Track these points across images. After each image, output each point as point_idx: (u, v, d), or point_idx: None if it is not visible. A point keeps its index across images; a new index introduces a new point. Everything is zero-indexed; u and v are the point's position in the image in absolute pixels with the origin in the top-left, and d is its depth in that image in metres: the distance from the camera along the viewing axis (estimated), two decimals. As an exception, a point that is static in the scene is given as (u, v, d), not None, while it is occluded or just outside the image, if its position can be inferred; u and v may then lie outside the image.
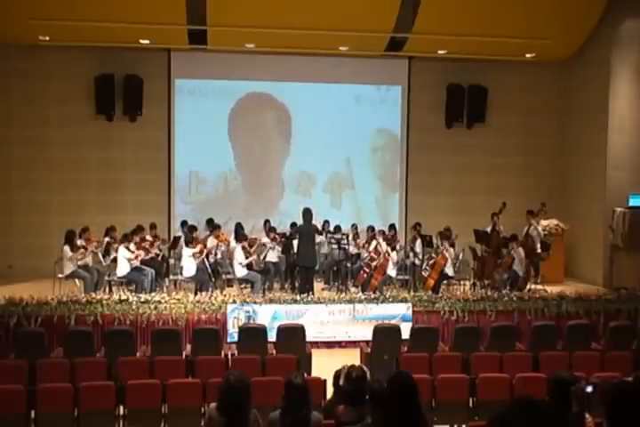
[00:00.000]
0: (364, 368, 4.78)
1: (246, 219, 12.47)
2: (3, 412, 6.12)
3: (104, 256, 10.84)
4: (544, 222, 12.25)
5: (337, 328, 9.82)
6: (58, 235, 10.57)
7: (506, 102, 13.84)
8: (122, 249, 10.43)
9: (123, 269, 10.43)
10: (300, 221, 11.13)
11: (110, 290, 10.45)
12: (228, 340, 9.05)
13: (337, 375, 5.02)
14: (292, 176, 13.73)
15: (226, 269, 11.36)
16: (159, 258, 11.38)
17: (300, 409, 4.28)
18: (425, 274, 11.09)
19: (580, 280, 12.58)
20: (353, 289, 10.91)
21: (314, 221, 11.15)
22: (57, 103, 12.86)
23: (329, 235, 11.80)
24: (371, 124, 13.78)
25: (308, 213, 10.84)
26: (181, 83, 13.32)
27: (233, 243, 11.46)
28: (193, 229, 11.48)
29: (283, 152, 13.61)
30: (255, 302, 9.71)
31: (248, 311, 9.55)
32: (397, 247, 11.57)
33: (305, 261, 10.77)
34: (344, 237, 11.28)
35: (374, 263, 10.92)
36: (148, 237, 11.45)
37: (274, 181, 13.78)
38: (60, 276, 10.38)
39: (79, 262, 10.42)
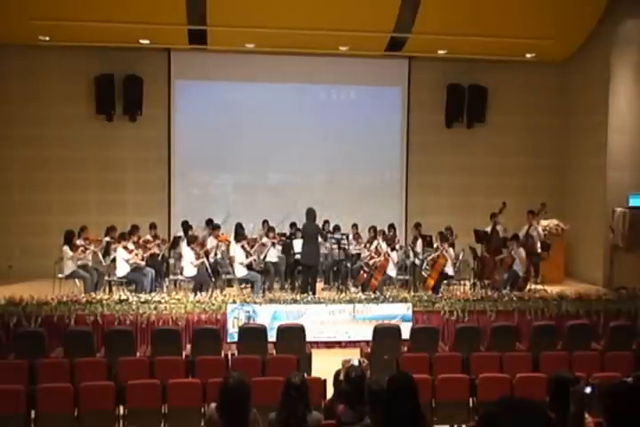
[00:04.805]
0: (363, 362, 4.78)
1: (246, 219, 12.44)
2: (3, 412, 6.12)
3: (104, 256, 10.85)
4: (544, 222, 12.25)
5: (337, 328, 9.82)
6: (58, 235, 10.57)
7: (506, 102, 13.83)
8: (120, 250, 10.42)
9: (122, 269, 10.44)
10: (299, 222, 11.10)
11: (110, 290, 10.44)
12: (228, 340, 9.05)
13: (337, 374, 5.02)
14: (292, 176, 13.73)
15: (226, 269, 11.36)
16: (159, 258, 11.38)
17: (297, 408, 4.26)
18: (425, 274, 11.09)
19: (580, 280, 12.57)
20: (353, 289, 10.91)
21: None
22: (57, 103, 12.85)
23: (329, 235, 11.81)
24: (371, 123, 13.77)
25: (311, 213, 10.85)
26: (181, 83, 13.32)
27: (233, 243, 11.46)
28: (188, 227, 11.46)
29: (282, 152, 13.60)
30: (255, 302, 9.72)
31: (248, 311, 9.55)
32: (397, 247, 11.57)
33: (306, 259, 10.77)
34: (344, 237, 11.29)
35: (374, 262, 10.92)
36: (148, 237, 11.44)
37: (273, 180, 13.80)
38: (59, 276, 10.39)
39: (79, 262, 10.42)
